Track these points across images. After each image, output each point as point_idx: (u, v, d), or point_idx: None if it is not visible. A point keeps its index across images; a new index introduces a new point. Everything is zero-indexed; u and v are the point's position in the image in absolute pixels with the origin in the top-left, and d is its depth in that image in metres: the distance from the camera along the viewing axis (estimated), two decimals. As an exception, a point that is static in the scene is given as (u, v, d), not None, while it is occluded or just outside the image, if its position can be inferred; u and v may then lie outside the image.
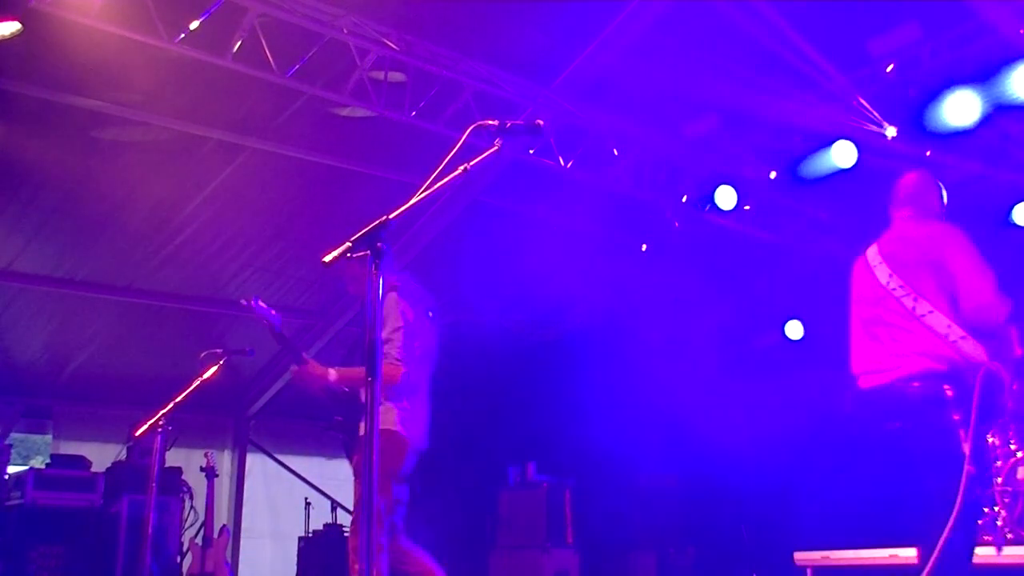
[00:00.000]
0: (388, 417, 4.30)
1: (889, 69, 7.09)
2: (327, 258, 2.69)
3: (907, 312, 3.78)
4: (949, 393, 3.57)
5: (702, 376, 9.47)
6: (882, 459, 4.06)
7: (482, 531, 8.56)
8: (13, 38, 5.57)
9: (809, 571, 6.74)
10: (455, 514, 8.81)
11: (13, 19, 5.46)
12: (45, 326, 8.61)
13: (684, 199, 8.63)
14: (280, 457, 10.73)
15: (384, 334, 4.25)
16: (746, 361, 9.92)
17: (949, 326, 3.69)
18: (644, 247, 9.47)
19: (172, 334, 8.99)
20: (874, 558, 6.35)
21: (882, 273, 3.92)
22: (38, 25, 5.56)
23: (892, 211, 4.25)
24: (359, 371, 4.35)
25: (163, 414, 4.87)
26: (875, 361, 3.89)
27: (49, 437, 9.50)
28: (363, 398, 4.39)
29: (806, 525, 8.14)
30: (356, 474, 4.44)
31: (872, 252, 4.10)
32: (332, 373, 4.34)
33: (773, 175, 8.36)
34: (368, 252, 2.67)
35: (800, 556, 6.83)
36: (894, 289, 3.84)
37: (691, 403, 9.23)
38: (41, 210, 7.40)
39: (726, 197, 8.41)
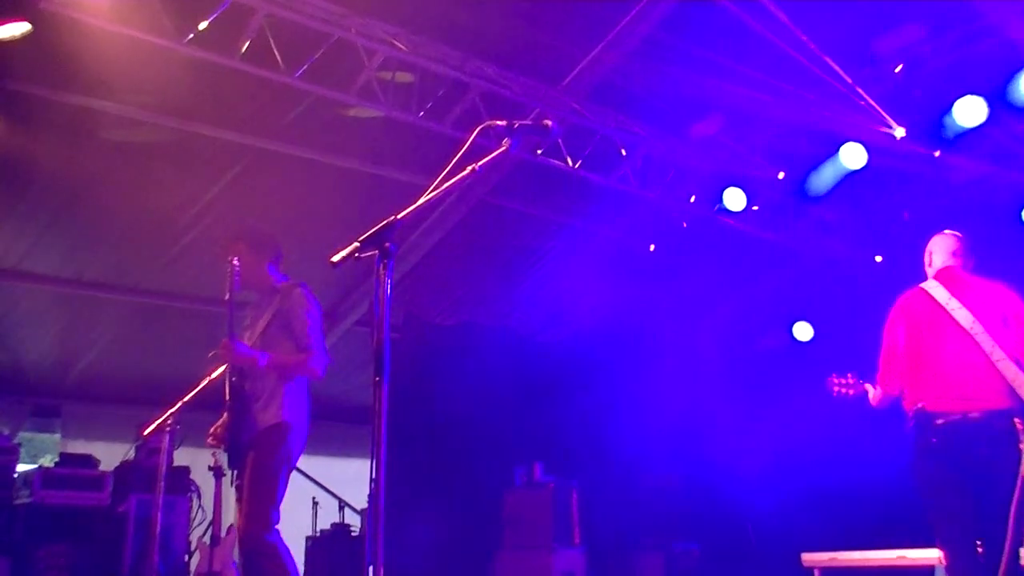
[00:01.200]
0: (272, 412, 4.48)
1: (898, 70, 7.07)
2: (335, 258, 2.70)
3: (984, 355, 4.25)
4: (1020, 426, 4.06)
5: (709, 377, 9.45)
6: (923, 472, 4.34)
7: (488, 531, 8.53)
8: (23, 39, 5.60)
9: (817, 572, 6.71)
10: (461, 514, 8.79)
11: (23, 20, 5.49)
12: (53, 325, 8.62)
13: (692, 200, 8.62)
14: (287, 456, 10.72)
15: (301, 327, 4.51)
16: (754, 362, 9.90)
17: (1016, 375, 4.17)
18: (652, 248, 9.47)
19: (180, 333, 8.98)
20: (882, 559, 6.33)
21: (963, 317, 4.35)
22: (47, 26, 5.58)
23: (934, 258, 4.65)
24: (288, 359, 4.50)
25: (171, 413, 4.89)
26: (951, 391, 4.30)
27: (57, 436, 9.50)
28: (249, 388, 4.47)
29: (813, 526, 8.11)
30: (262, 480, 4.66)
31: (941, 294, 4.46)
32: (263, 357, 4.42)
33: (781, 176, 8.34)
34: (376, 252, 2.67)
35: (807, 557, 6.81)
36: (977, 334, 4.30)
37: (698, 403, 9.21)
38: (50, 210, 7.41)
39: (735, 198, 8.40)
